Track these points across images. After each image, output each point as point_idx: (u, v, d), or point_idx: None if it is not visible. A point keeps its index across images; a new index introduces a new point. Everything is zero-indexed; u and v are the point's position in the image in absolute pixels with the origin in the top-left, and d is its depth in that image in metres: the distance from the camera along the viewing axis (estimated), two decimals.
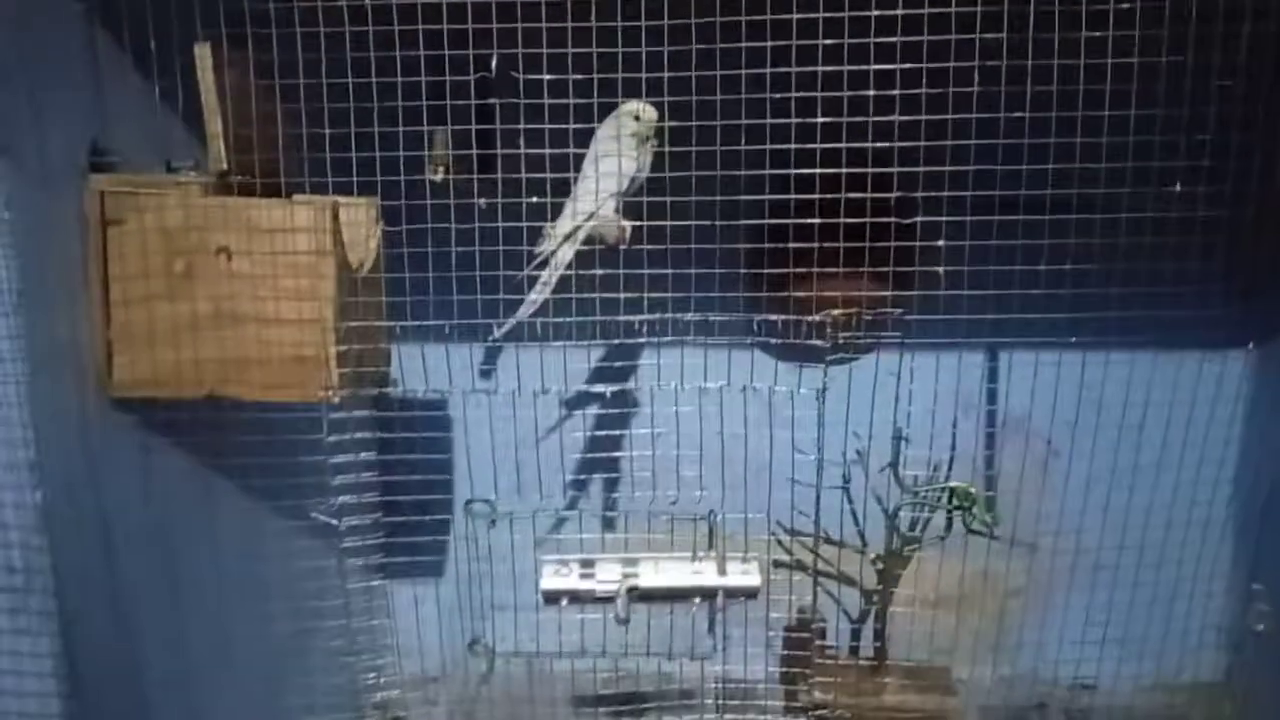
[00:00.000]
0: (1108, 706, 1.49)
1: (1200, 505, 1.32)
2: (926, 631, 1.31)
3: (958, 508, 1.13)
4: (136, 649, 0.99)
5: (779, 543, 1.21)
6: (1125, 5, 0.81)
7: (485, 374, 1.16)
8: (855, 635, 1.37)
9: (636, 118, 1.00)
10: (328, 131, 0.92)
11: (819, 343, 0.97)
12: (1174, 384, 1.26)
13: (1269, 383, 1.40)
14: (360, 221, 1.03)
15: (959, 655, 1.39)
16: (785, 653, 1.39)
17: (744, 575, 1.09)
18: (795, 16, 0.86)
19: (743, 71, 0.87)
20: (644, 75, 0.88)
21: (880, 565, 1.27)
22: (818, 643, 1.28)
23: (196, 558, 1.08)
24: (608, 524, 1.14)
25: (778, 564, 1.20)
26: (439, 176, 1.12)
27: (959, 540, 1.21)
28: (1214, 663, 1.47)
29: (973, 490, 1.13)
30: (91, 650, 0.91)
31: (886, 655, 1.36)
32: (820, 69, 0.86)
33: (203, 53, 0.95)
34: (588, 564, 1.11)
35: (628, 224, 1.02)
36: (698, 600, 1.11)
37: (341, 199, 0.99)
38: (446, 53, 0.89)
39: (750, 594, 1.10)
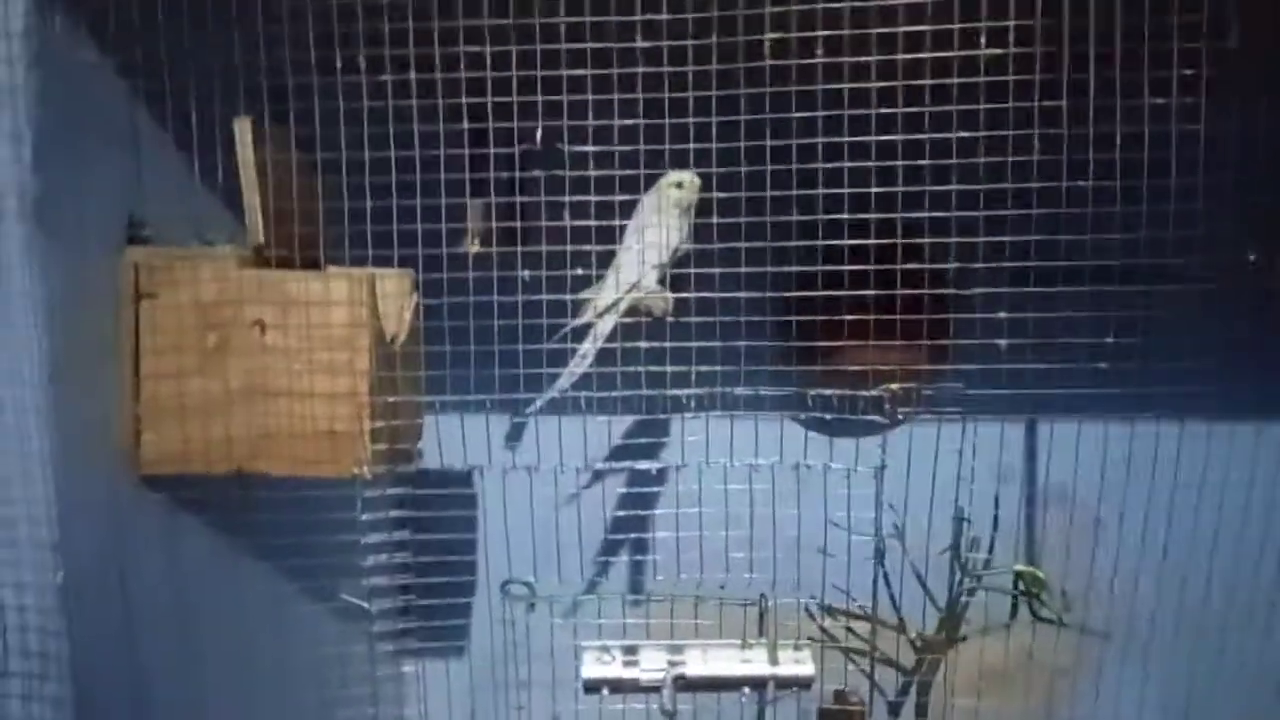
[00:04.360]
0: None
1: (1263, 581, 1.27)
2: (968, 716, 1.25)
3: (1025, 593, 1.08)
4: None
5: (822, 628, 1.16)
6: (1189, 72, 0.79)
7: (522, 449, 1.13)
8: (894, 712, 1.31)
9: (679, 186, 0.99)
10: (369, 205, 0.90)
11: (876, 418, 0.94)
12: (1228, 454, 1.22)
13: None
14: (395, 294, 1.02)
15: None
16: None
17: (797, 664, 1.04)
18: (847, 86, 0.84)
19: (794, 142, 0.86)
20: (691, 146, 0.87)
21: (926, 648, 1.22)
22: None
23: (221, 641, 1.04)
24: (651, 608, 1.09)
25: (821, 644, 1.15)
26: (474, 249, 1.11)
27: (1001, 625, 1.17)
28: None
29: (1041, 575, 1.08)
30: None
31: None
32: (874, 139, 0.84)
33: (242, 126, 0.95)
34: (631, 651, 1.06)
35: (670, 295, 1.01)
36: (747, 690, 1.06)
37: (377, 270, 0.98)
38: (490, 125, 0.88)
39: (804, 684, 1.05)
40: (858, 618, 1.20)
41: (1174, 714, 1.28)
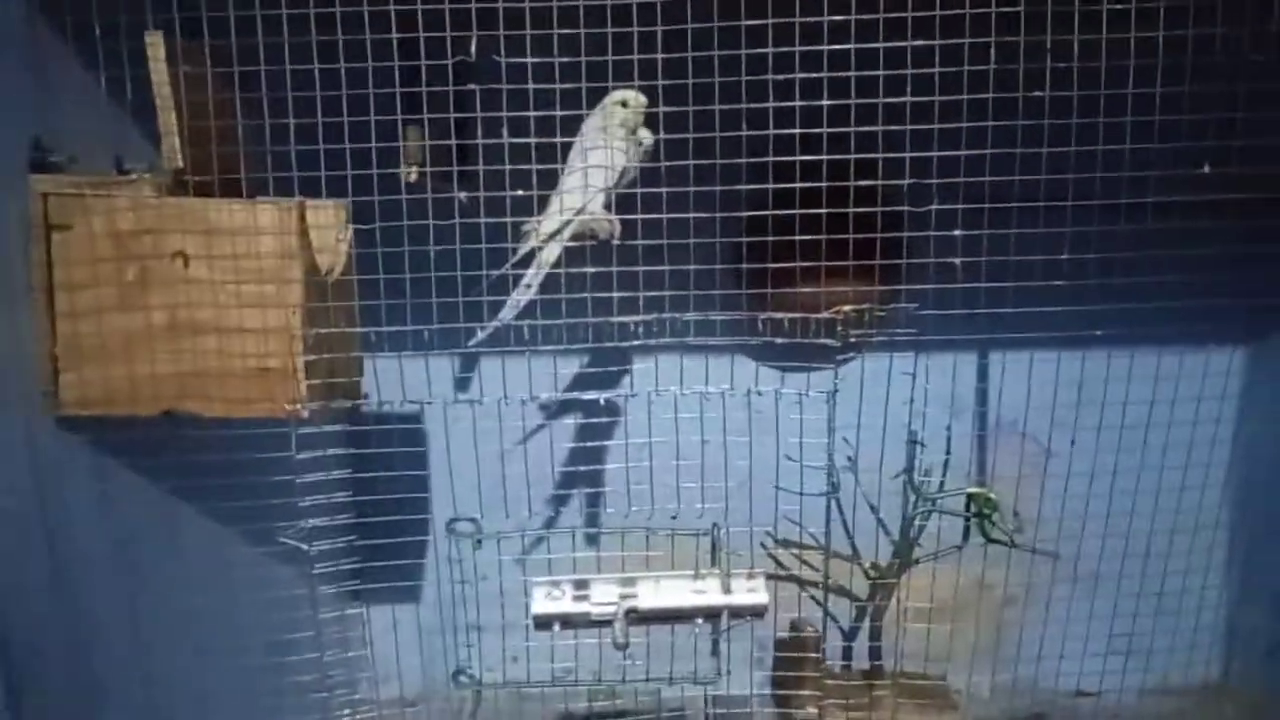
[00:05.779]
0: (1108, 714, 1.44)
1: (1204, 508, 1.29)
2: (920, 642, 1.26)
3: (977, 515, 1.08)
4: (96, 687, 0.91)
5: (772, 557, 1.15)
6: None
7: (465, 383, 1.10)
8: (846, 650, 1.32)
9: (624, 104, 0.94)
10: (291, 122, 0.85)
11: (830, 341, 0.91)
12: (1174, 381, 1.22)
13: (1264, 380, 1.37)
14: (329, 224, 0.97)
15: (954, 665, 1.35)
16: (777, 672, 1.34)
17: (750, 593, 1.03)
18: None
19: (743, 52, 0.81)
20: (635, 57, 0.83)
21: (880, 576, 1.23)
22: (815, 654, 1.23)
23: (159, 586, 1.00)
24: (601, 541, 1.08)
25: (773, 577, 1.14)
26: (413, 176, 1.06)
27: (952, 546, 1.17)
28: (1216, 665, 1.43)
29: (993, 496, 1.08)
30: (45, 693, 0.84)
31: (883, 667, 1.31)
32: (826, 48, 0.80)
33: (154, 41, 0.88)
34: (581, 585, 1.04)
35: (616, 219, 0.97)
36: (700, 621, 1.05)
37: (309, 200, 0.93)
38: (421, 35, 0.82)
39: (757, 613, 1.04)
40: (810, 548, 1.20)
41: (1120, 640, 1.30)
